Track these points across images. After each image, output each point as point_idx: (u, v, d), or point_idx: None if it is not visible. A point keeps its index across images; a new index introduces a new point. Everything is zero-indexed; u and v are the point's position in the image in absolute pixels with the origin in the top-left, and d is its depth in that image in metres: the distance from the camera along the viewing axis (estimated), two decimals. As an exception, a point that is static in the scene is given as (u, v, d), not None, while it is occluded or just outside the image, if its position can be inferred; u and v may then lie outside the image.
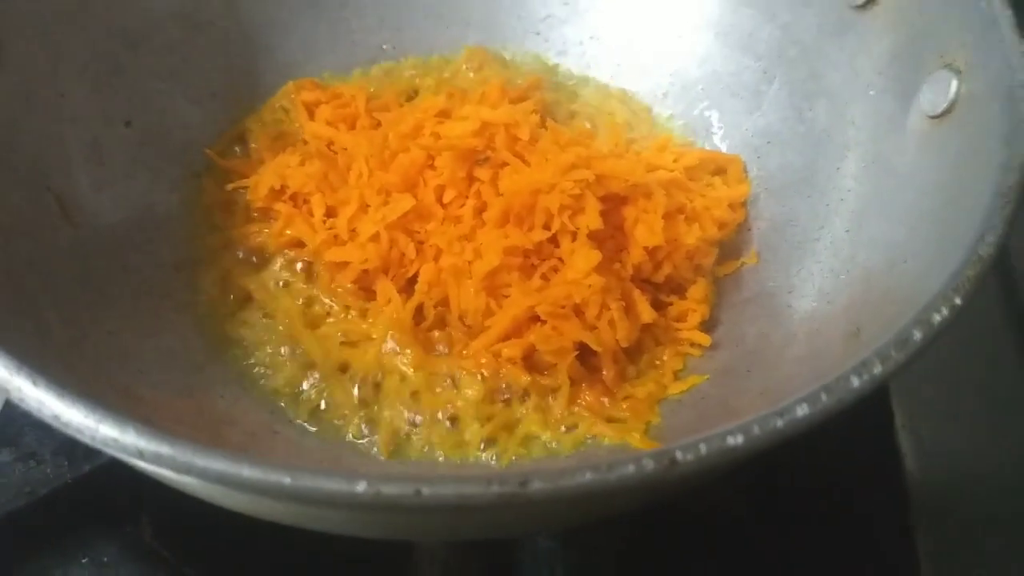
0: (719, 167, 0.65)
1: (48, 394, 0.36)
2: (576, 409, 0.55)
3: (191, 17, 0.66)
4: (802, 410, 0.36)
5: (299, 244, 0.60)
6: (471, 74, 0.69)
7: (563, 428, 0.54)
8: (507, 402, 0.55)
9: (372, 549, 0.53)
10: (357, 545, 0.54)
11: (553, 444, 0.54)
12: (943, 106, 0.52)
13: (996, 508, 0.64)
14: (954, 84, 0.51)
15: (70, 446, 0.56)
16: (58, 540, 0.56)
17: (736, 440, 0.35)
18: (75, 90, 0.59)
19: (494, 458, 0.54)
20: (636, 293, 0.56)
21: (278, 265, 0.60)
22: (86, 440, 0.35)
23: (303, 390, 0.56)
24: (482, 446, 0.54)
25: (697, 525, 0.59)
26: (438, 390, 0.55)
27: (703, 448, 0.34)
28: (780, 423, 0.35)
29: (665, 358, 0.58)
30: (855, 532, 0.60)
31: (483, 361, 0.54)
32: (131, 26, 0.63)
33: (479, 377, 0.54)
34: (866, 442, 0.63)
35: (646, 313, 0.56)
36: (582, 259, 0.55)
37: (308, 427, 0.54)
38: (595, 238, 0.55)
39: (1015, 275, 0.71)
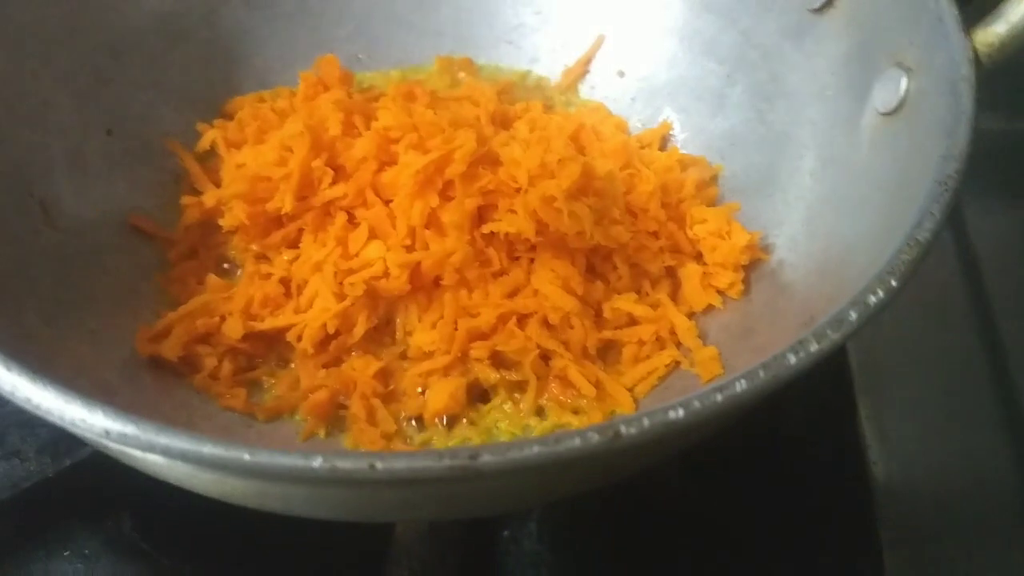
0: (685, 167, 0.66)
1: (21, 378, 0.38)
2: (543, 402, 0.56)
3: (172, 28, 0.68)
4: (740, 385, 0.37)
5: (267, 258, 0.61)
6: (445, 81, 0.71)
7: (532, 421, 0.56)
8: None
9: (350, 545, 0.55)
10: (335, 542, 0.56)
11: (523, 434, 0.55)
12: (894, 103, 0.54)
13: (961, 501, 0.66)
14: (903, 82, 0.53)
15: (54, 444, 0.57)
16: (40, 534, 0.57)
17: (677, 414, 0.36)
18: (59, 99, 0.61)
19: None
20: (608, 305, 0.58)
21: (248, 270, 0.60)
22: (55, 420, 0.37)
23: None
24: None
25: (676, 524, 0.61)
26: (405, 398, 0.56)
27: (646, 421, 0.36)
28: (719, 397, 0.37)
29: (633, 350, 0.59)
30: (819, 526, 0.61)
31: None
32: (114, 37, 0.65)
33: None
34: (830, 435, 0.65)
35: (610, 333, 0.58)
36: (554, 275, 0.56)
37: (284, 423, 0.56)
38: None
39: (980, 269, 0.73)
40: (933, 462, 0.67)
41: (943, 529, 0.64)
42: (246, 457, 0.35)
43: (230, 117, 0.67)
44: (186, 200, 0.62)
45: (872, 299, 0.40)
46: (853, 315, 0.40)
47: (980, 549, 0.63)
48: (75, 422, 0.36)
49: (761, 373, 0.38)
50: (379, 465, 0.34)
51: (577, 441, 0.35)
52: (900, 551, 0.61)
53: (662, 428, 0.36)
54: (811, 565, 0.60)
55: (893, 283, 0.41)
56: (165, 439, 0.35)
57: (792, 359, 0.38)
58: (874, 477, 0.64)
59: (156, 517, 0.58)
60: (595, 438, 0.35)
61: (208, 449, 0.35)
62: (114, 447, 0.37)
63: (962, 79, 0.49)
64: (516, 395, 0.57)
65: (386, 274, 0.56)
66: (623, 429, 0.36)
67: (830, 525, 0.61)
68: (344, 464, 0.34)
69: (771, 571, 0.60)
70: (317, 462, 0.34)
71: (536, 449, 0.35)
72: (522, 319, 0.56)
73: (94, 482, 0.57)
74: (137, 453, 0.37)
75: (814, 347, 0.39)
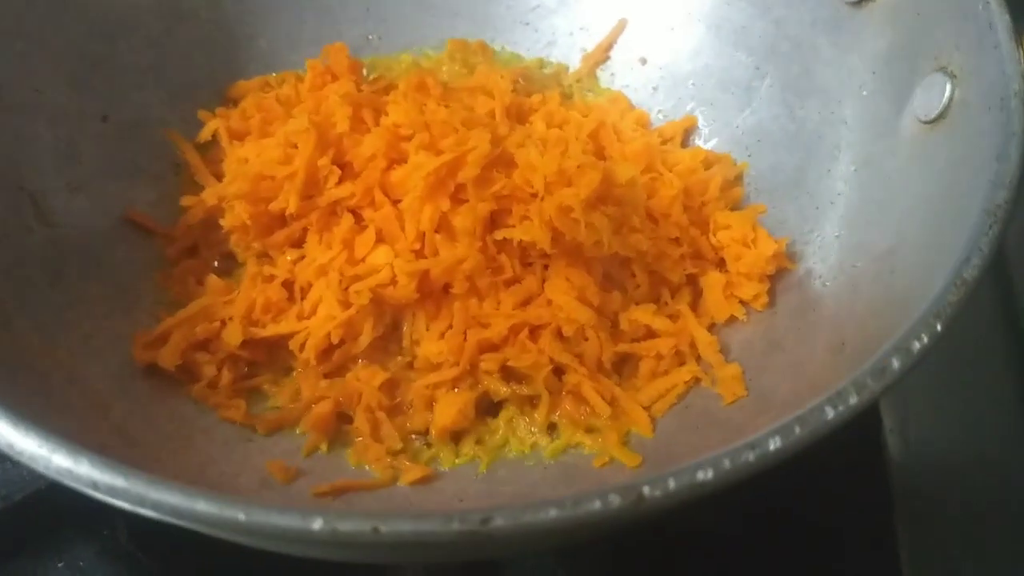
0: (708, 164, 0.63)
1: (3, 422, 0.35)
2: (555, 418, 0.54)
3: (173, 8, 0.65)
4: (774, 443, 0.35)
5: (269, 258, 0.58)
6: (456, 67, 0.67)
7: (542, 440, 0.54)
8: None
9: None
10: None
11: (533, 453, 0.53)
12: (936, 111, 0.50)
13: (983, 511, 0.64)
14: (948, 89, 0.50)
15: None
16: (34, 544, 0.55)
17: (706, 475, 0.34)
18: (51, 85, 0.57)
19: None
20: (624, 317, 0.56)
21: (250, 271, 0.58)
22: (40, 470, 0.34)
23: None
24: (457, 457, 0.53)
25: (686, 534, 0.59)
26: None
27: (671, 483, 0.34)
28: (751, 457, 0.34)
29: (651, 364, 0.56)
30: (839, 534, 0.60)
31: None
32: (110, 17, 0.62)
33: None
34: (853, 444, 0.63)
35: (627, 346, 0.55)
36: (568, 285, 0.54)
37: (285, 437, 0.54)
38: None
39: (1009, 276, 0.70)
40: (956, 474, 0.65)
41: (965, 540, 0.62)
42: (241, 517, 0.32)
43: (233, 103, 0.64)
44: (187, 201, 0.59)
45: (916, 345, 0.38)
46: (896, 364, 0.37)
47: (1003, 561, 0.62)
48: (61, 472, 0.34)
49: (797, 429, 0.35)
50: (383, 529, 0.32)
51: (597, 504, 0.33)
52: (922, 563, 0.59)
53: (688, 490, 0.34)
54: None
55: (938, 327, 0.38)
56: (156, 494, 0.33)
57: (830, 412, 0.36)
58: (896, 487, 0.62)
59: (153, 527, 0.55)
60: (617, 501, 0.33)
61: (202, 506, 0.33)
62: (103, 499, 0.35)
63: (1014, 95, 0.46)
64: (527, 410, 0.54)
65: (393, 281, 0.53)
66: (647, 491, 0.33)
67: (850, 534, 0.60)
68: (345, 527, 0.32)
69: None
70: (317, 524, 0.32)
71: (553, 513, 0.33)
72: (535, 330, 0.54)
73: (89, 491, 0.55)
74: (127, 507, 0.34)
75: (853, 399, 0.36)
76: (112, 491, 0.33)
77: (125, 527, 0.56)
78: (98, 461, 0.34)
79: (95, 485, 0.34)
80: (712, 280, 0.57)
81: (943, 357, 0.68)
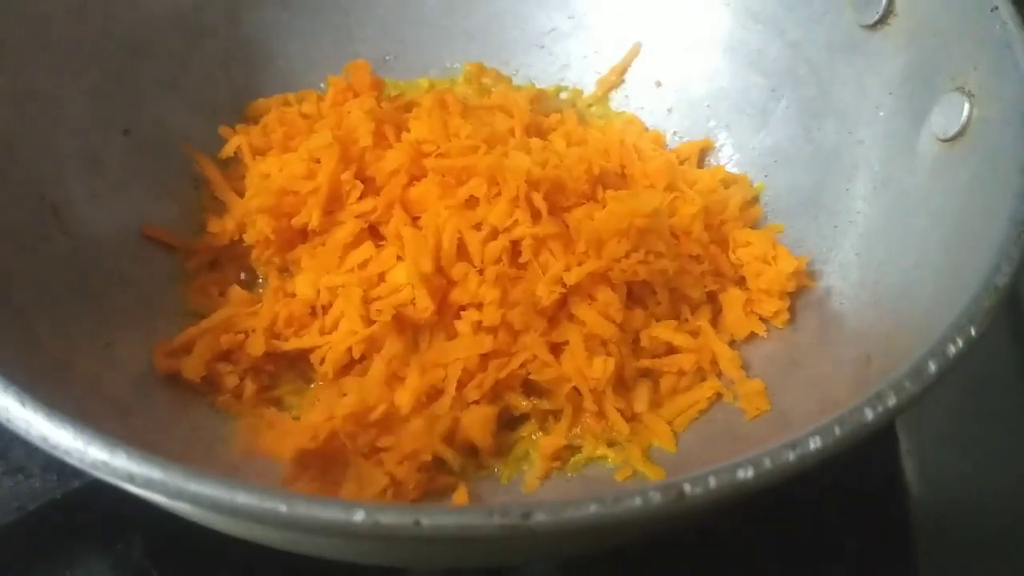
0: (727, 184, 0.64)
1: (36, 415, 0.35)
2: (576, 431, 0.53)
3: (193, 25, 0.65)
4: (815, 443, 0.35)
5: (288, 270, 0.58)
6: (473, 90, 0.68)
7: (566, 451, 0.53)
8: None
9: (369, 571, 0.53)
10: (355, 568, 0.53)
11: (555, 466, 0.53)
12: (955, 129, 0.51)
13: (1000, 535, 0.63)
14: (966, 108, 0.51)
15: (60, 461, 0.54)
16: (46, 557, 0.54)
17: (747, 473, 0.34)
18: (73, 98, 0.57)
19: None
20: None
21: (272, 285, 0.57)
22: (75, 463, 0.34)
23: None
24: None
25: (693, 547, 0.58)
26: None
27: (712, 481, 0.34)
28: (792, 456, 0.34)
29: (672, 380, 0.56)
30: (858, 558, 0.59)
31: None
32: (132, 33, 0.62)
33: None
34: (870, 467, 0.62)
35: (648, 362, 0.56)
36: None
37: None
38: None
39: (1021, 298, 0.70)
40: (974, 499, 0.65)
41: (984, 565, 0.62)
42: (283, 508, 0.32)
43: (254, 120, 0.64)
44: (214, 227, 0.59)
45: (952, 349, 0.38)
46: (932, 367, 0.37)
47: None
48: (96, 465, 0.34)
49: (837, 429, 0.35)
50: (425, 522, 0.32)
51: (638, 501, 0.33)
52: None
53: (730, 488, 0.33)
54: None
55: (972, 332, 0.38)
56: (195, 486, 0.33)
57: (870, 414, 0.36)
58: (914, 512, 0.62)
59: (168, 542, 0.55)
60: (657, 497, 0.33)
61: (242, 498, 0.32)
62: (138, 491, 0.35)
63: (1035, 110, 0.46)
64: (548, 423, 0.54)
65: (413, 301, 0.53)
66: (688, 489, 0.33)
67: (869, 559, 0.59)
68: (387, 519, 0.32)
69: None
70: (359, 516, 0.32)
71: (593, 508, 0.32)
72: (556, 346, 0.54)
73: (103, 503, 0.53)
74: (163, 500, 0.34)
75: (892, 401, 0.36)
76: (149, 483, 0.33)
77: (140, 541, 0.55)
78: (135, 454, 0.33)
79: (131, 478, 0.33)
80: (732, 297, 0.57)
81: (957, 381, 0.69)
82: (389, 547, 0.36)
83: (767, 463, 0.34)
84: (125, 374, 0.51)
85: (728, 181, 0.63)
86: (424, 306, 0.52)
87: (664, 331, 0.55)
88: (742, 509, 0.57)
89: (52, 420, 0.35)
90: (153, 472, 0.33)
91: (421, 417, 0.51)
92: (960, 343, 0.38)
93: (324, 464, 0.50)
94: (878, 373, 0.44)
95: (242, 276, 0.60)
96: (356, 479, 0.49)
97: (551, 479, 0.52)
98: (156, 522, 0.49)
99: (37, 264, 0.51)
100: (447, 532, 0.32)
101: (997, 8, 0.49)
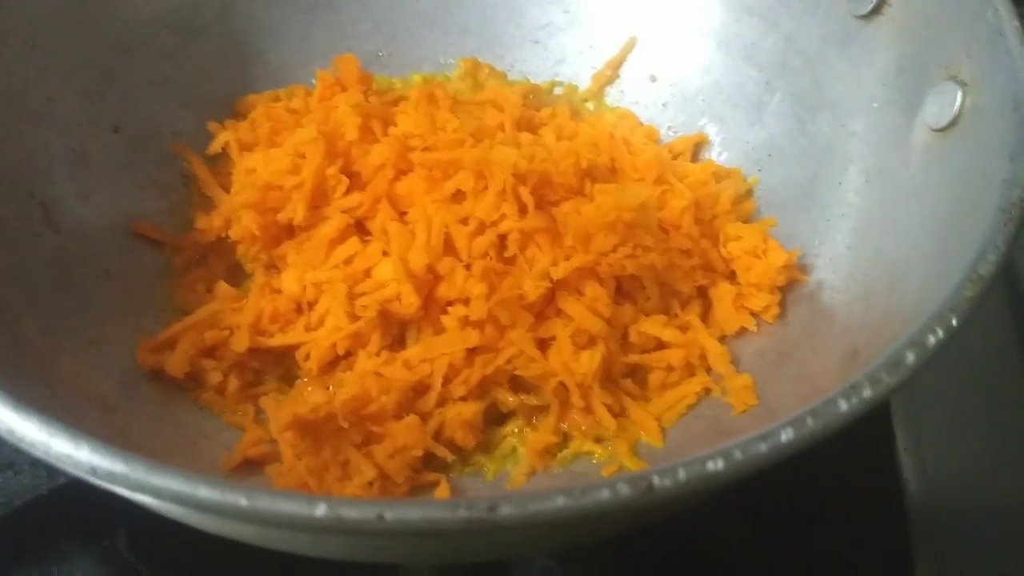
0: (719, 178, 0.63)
1: (3, 407, 0.35)
2: (564, 427, 0.53)
3: (185, 22, 0.65)
4: (787, 435, 0.34)
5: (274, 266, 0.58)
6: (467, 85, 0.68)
7: (552, 447, 0.53)
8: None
9: (355, 568, 0.52)
10: (341, 565, 0.53)
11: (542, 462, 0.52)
12: (948, 119, 0.50)
13: (999, 534, 0.62)
14: (959, 97, 0.50)
15: (49, 458, 0.55)
16: (33, 552, 0.54)
17: (716, 465, 0.33)
18: (64, 95, 0.58)
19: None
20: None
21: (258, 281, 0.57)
22: (40, 455, 0.34)
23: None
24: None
25: (693, 547, 0.58)
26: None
27: (682, 473, 0.33)
28: (763, 448, 0.34)
29: (661, 376, 0.56)
30: (855, 556, 0.58)
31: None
32: (124, 31, 0.62)
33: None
34: (867, 465, 0.62)
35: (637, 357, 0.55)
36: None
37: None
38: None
39: (1019, 275, 0.69)
40: (972, 496, 0.64)
41: (982, 563, 0.61)
42: (243, 502, 0.32)
43: (243, 116, 0.64)
44: (201, 223, 0.59)
45: (931, 339, 0.37)
46: (911, 357, 0.36)
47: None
48: (60, 458, 0.33)
49: (809, 421, 0.34)
50: (388, 516, 0.31)
51: (606, 494, 0.32)
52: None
53: (699, 481, 0.33)
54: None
55: (954, 322, 0.37)
56: (157, 480, 0.32)
57: (844, 405, 0.35)
58: (912, 510, 0.61)
59: (153, 537, 0.55)
60: (626, 490, 0.32)
61: (204, 492, 0.32)
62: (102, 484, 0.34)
63: (1027, 98, 0.45)
64: (535, 420, 0.54)
65: (398, 297, 0.53)
66: (656, 481, 0.33)
67: (866, 557, 0.59)
68: (350, 513, 0.31)
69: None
70: (320, 510, 0.31)
71: (560, 501, 0.32)
72: (544, 341, 0.53)
73: (90, 499, 0.53)
74: (126, 493, 0.34)
75: (867, 393, 0.35)
76: (111, 477, 0.33)
77: (125, 537, 0.55)
78: (98, 446, 0.33)
79: (94, 471, 0.33)
80: (722, 291, 0.57)
81: (956, 378, 0.68)
82: (359, 542, 0.36)
83: (737, 455, 0.33)
84: (110, 371, 0.51)
85: (721, 175, 0.63)
86: (410, 302, 0.52)
87: (653, 326, 0.55)
88: (732, 507, 0.58)
89: (18, 412, 0.34)
90: (115, 465, 0.33)
91: (411, 412, 0.50)
92: (941, 333, 0.37)
93: (317, 442, 0.49)
94: (863, 366, 0.43)
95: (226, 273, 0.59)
96: (343, 467, 0.49)
97: (537, 475, 0.51)
98: (142, 518, 0.49)
99: (24, 261, 0.51)
100: (411, 526, 0.31)
101: (989, -6, 0.48)
